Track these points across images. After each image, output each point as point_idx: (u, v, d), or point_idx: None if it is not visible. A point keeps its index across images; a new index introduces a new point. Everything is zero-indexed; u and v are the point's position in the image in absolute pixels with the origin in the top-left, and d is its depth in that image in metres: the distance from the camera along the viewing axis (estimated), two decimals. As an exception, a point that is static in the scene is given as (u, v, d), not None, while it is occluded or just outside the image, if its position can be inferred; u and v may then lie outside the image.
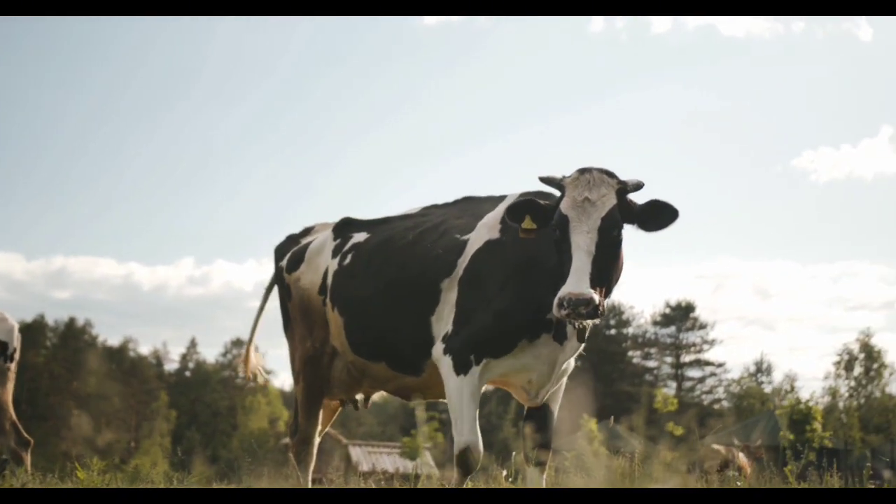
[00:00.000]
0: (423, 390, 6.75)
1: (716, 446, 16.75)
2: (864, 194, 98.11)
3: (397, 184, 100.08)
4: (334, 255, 7.23)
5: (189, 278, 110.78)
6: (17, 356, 10.95)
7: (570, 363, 6.19)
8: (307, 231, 7.93)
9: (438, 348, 6.21)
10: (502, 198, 6.56)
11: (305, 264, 7.50)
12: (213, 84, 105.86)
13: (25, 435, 10.50)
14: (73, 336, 71.81)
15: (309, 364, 7.34)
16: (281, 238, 8.04)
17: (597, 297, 5.25)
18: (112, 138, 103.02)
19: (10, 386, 10.68)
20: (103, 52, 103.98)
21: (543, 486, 5.99)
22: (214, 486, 6.86)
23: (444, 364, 6.13)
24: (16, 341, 10.92)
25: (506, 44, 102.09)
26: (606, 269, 5.53)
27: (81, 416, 60.72)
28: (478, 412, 6.08)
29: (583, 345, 6.14)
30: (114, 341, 77.64)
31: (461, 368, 6.04)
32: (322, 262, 7.34)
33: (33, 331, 68.27)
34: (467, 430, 5.99)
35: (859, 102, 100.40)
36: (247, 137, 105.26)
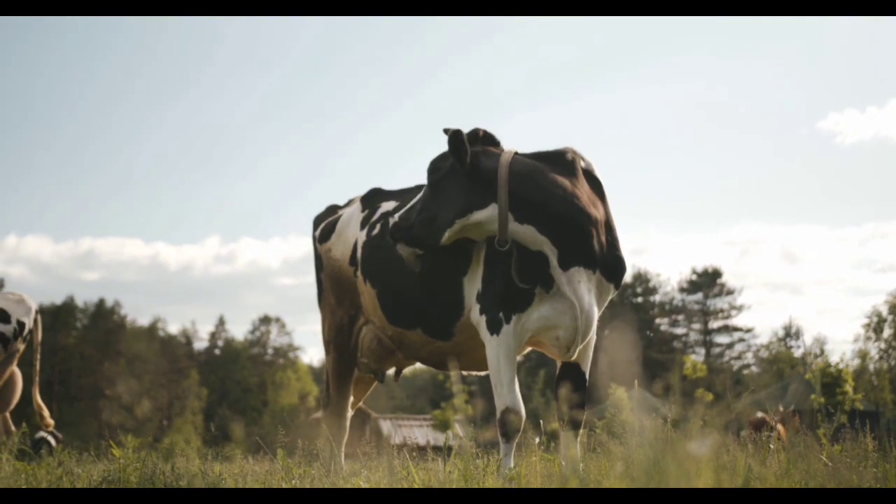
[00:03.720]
0: (456, 356, 6.67)
1: (760, 414, 16.83)
2: (890, 155, 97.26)
3: (425, 160, 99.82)
4: (363, 227, 7.18)
5: (216, 256, 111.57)
6: (37, 337, 11.24)
7: (594, 321, 6.12)
8: (351, 203, 7.83)
9: (476, 310, 6.12)
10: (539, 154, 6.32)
11: (336, 235, 7.47)
12: (235, 62, 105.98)
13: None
14: (103, 317, 72.31)
15: (339, 334, 7.33)
16: (306, 214, 8.03)
17: None
18: (135, 119, 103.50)
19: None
20: (124, 33, 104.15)
21: (578, 449, 5.94)
22: (250, 459, 6.88)
23: (481, 326, 6.06)
24: (31, 322, 11.18)
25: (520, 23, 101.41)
26: None
27: (121, 385, 61.26)
28: (516, 375, 6.00)
29: (610, 296, 6.17)
30: (143, 321, 78.18)
31: (493, 328, 5.97)
32: (351, 234, 7.29)
33: (63, 313, 68.85)
34: (506, 392, 5.91)
35: (884, 63, 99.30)
36: (270, 114, 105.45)
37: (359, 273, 7.09)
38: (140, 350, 69.13)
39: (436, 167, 6.13)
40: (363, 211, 7.33)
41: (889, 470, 4.58)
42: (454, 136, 5.93)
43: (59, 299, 71.37)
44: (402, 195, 7.17)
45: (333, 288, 7.41)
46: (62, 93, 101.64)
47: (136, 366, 67.61)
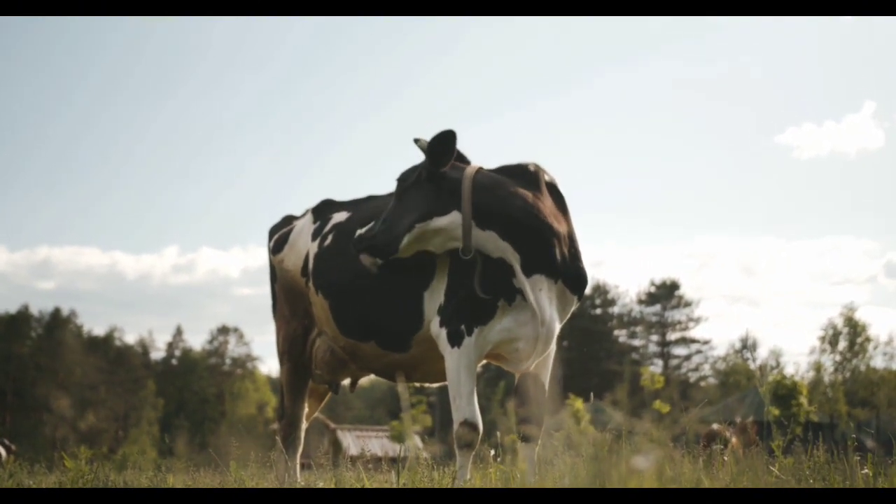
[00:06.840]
0: (411, 368, 6.66)
1: (716, 426, 16.96)
2: (847, 170, 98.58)
3: (386, 172, 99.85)
4: (314, 238, 7.15)
5: (174, 266, 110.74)
6: None
7: (555, 332, 6.17)
8: (307, 213, 7.84)
9: (436, 322, 6.12)
10: (502, 168, 6.40)
11: (289, 247, 7.44)
12: (197, 75, 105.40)
13: None
14: (59, 326, 71.45)
15: (293, 345, 7.31)
16: (266, 223, 8.02)
17: None
18: (94, 129, 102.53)
19: None
20: (89, 45, 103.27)
21: (535, 461, 5.95)
22: (201, 472, 6.83)
23: (441, 338, 6.05)
24: None
25: (491, 27, 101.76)
26: None
27: (62, 398, 60.57)
28: (475, 387, 5.99)
29: (573, 308, 6.20)
30: (99, 331, 77.42)
31: (454, 341, 5.97)
32: (303, 245, 7.26)
33: (18, 322, 68.02)
34: (464, 404, 5.91)
35: (842, 79, 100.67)
36: (231, 125, 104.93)
37: (310, 284, 7.07)
38: (95, 360, 68.37)
39: (404, 178, 6.17)
40: (315, 222, 7.31)
41: (835, 483, 4.63)
42: (447, 135, 5.95)
43: (13, 308, 70.69)
44: (354, 206, 7.16)
45: (287, 299, 7.40)
46: (15, 99, 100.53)
47: (91, 376, 66.84)
